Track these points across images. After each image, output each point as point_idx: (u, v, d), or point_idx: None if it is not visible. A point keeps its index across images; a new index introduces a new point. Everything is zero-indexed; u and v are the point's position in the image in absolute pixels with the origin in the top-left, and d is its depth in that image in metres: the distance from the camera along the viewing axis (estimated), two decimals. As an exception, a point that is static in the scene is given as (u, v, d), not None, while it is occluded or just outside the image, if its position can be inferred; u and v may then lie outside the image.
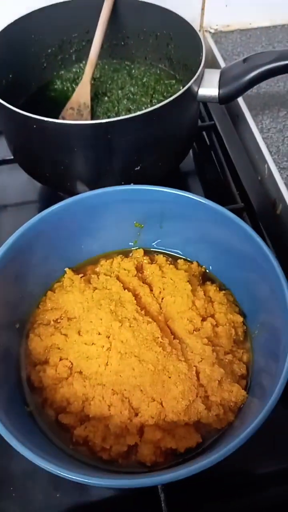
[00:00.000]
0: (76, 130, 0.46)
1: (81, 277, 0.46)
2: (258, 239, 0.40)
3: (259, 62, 0.49)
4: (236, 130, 0.70)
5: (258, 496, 0.41)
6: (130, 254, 0.50)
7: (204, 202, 0.43)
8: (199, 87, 0.52)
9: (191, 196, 0.44)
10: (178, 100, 0.48)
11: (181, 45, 0.61)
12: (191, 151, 0.68)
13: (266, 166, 0.62)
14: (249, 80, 0.50)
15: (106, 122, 0.46)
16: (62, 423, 0.39)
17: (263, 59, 0.49)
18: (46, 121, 0.45)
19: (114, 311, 0.41)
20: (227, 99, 0.52)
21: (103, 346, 0.39)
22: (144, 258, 0.49)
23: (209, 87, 0.52)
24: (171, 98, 0.47)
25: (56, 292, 0.46)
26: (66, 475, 0.31)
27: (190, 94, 0.51)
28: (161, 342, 0.39)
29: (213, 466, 0.31)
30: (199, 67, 0.51)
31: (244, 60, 0.51)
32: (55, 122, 0.45)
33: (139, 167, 0.52)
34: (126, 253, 0.50)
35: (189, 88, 0.49)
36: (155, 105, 0.47)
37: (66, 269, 0.47)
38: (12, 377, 0.41)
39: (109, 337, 0.40)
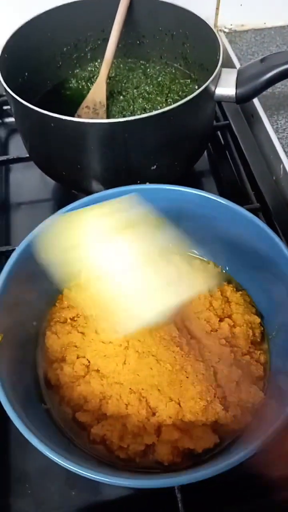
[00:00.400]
0: (94, 128, 0.46)
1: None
2: (276, 238, 0.40)
3: (277, 62, 0.49)
4: (251, 130, 0.70)
5: (274, 499, 0.40)
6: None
7: (221, 201, 0.43)
8: (216, 86, 0.51)
9: (208, 196, 0.44)
10: (195, 99, 0.48)
11: (197, 44, 0.61)
12: (205, 151, 0.67)
13: (281, 166, 0.61)
14: (267, 80, 0.49)
15: (123, 121, 0.46)
16: (79, 421, 0.39)
17: (281, 59, 0.49)
18: (64, 119, 0.45)
19: (131, 310, 0.41)
20: (244, 99, 0.52)
21: (121, 345, 0.39)
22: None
23: (226, 87, 0.51)
24: (188, 98, 0.47)
25: (72, 290, 0.46)
26: (84, 472, 0.31)
27: (207, 94, 0.51)
28: (178, 341, 0.39)
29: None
30: (215, 67, 0.50)
31: (262, 60, 0.50)
32: (72, 121, 0.45)
33: (155, 167, 0.52)
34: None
35: (206, 88, 0.49)
36: (170, 104, 0.47)
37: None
38: (29, 374, 0.41)
39: (126, 335, 0.40)
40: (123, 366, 0.39)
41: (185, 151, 0.55)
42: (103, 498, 0.41)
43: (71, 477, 0.41)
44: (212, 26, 0.83)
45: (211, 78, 0.49)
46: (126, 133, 0.47)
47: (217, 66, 0.50)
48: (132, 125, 0.46)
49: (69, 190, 0.59)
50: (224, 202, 0.43)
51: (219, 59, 0.51)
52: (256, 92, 0.51)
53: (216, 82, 0.51)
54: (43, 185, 0.64)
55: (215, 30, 0.56)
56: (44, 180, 0.62)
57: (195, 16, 0.58)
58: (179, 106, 0.47)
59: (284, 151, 0.62)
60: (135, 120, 0.46)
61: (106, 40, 0.62)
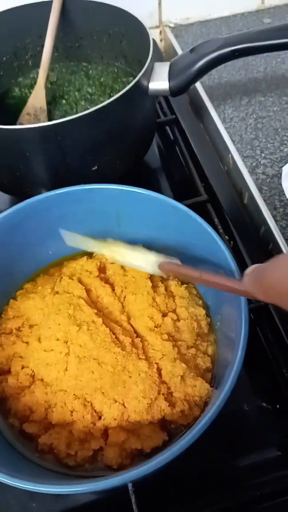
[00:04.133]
0: (25, 134, 0.46)
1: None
2: (209, 229, 0.39)
3: (206, 51, 0.49)
4: (201, 122, 0.70)
5: (229, 492, 0.40)
6: (93, 255, 0.49)
7: (155, 196, 0.43)
8: (149, 81, 0.51)
9: (142, 192, 0.43)
10: (129, 94, 0.47)
11: (133, 41, 0.61)
12: (155, 146, 0.67)
13: (230, 156, 0.61)
14: (197, 70, 0.49)
15: (54, 124, 0.45)
16: (26, 433, 0.38)
17: (209, 48, 0.49)
18: (-8, 127, 0.45)
19: (73, 315, 0.41)
20: (178, 91, 0.51)
21: (61, 352, 0.39)
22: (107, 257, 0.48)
23: (159, 80, 0.51)
24: (120, 93, 0.47)
25: (18, 300, 0.45)
26: (36, 488, 0.30)
27: (141, 88, 0.50)
28: (120, 342, 0.39)
29: (180, 463, 0.31)
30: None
31: (191, 50, 0.50)
32: (2, 128, 0.45)
33: (96, 166, 0.52)
34: (90, 254, 0.49)
35: (138, 82, 0.48)
36: (113, 103, 0.47)
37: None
38: (-26, 389, 0.40)
39: (67, 342, 0.39)
40: (65, 373, 0.38)
41: (127, 148, 0.55)
42: (63, 506, 0.40)
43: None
44: (156, 22, 0.84)
45: (141, 73, 0.49)
46: (59, 136, 0.47)
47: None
48: (64, 127, 0.46)
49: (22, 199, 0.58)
50: (157, 197, 0.43)
51: (149, 53, 0.51)
52: (189, 82, 0.51)
53: (148, 76, 0.51)
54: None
55: (153, 31, 0.56)
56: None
57: (127, 13, 0.58)
58: (110, 103, 0.46)
59: (232, 140, 0.62)
60: (67, 121, 0.45)
61: (44, 46, 0.61)
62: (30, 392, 0.39)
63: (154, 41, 0.52)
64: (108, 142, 0.50)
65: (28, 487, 0.31)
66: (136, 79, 0.48)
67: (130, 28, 0.59)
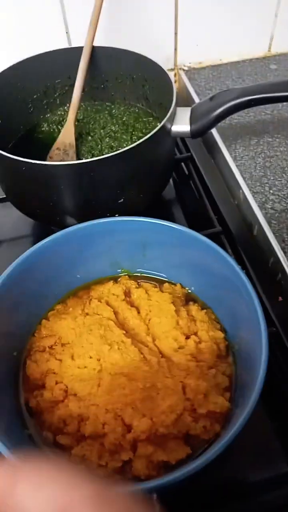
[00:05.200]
0: (60, 170, 0.51)
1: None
2: (229, 259, 0.44)
3: (224, 99, 0.54)
4: (212, 159, 0.75)
5: (249, 504, 0.43)
6: (119, 280, 0.53)
7: (178, 228, 0.47)
8: (172, 124, 0.56)
9: (166, 224, 0.48)
10: (154, 137, 0.53)
11: (155, 85, 0.67)
12: (172, 181, 0.72)
13: (240, 191, 0.66)
14: (216, 116, 0.55)
15: (87, 162, 0.50)
16: (60, 444, 0.41)
17: (227, 97, 0.54)
18: (32, 163, 0.49)
19: (104, 335, 0.45)
20: (198, 134, 0.57)
21: (95, 369, 0.42)
22: (132, 282, 0.52)
23: (181, 124, 0.57)
24: (147, 136, 0.52)
25: (50, 320, 0.49)
26: None
27: (165, 131, 0.56)
28: (148, 361, 0.42)
29: (203, 476, 0.34)
30: (171, 106, 0.56)
31: (211, 99, 0.56)
32: (40, 164, 0.50)
33: (122, 200, 0.56)
34: (116, 279, 0.54)
35: (163, 126, 0.54)
36: (135, 141, 0.52)
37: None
38: (11, 403, 0.43)
39: (99, 359, 0.43)
40: (98, 388, 0.42)
41: (149, 183, 0.60)
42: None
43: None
44: (172, 65, 0.91)
45: (166, 117, 0.54)
46: (92, 172, 0.51)
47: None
48: (96, 165, 0.51)
49: (48, 226, 0.63)
50: (179, 228, 0.47)
51: (172, 99, 0.56)
52: (208, 127, 0.56)
53: (172, 120, 0.57)
54: (23, 223, 0.68)
55: (172, 69, 0.62)
56: (23, 218, 0.66)
57: (150, 60, 0.63)
58: (139, 144, 0.51)
59: (243, 177, 0.67)
60: (98, 160, 0.50)
61: (73, 86, 0.67)
62: (64, 406, 0.42)
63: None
64: (133, 178, 0.55)
65: None
66: (162, 123, 0.53)
67: (152, 73, 0.65)
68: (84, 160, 0.50)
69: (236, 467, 0.44)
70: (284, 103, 0.80)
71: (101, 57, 0.69)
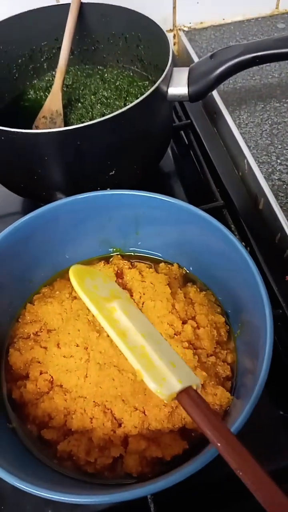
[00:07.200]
0: (43, 139, 0.46)
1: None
2: (231, 236, 0.39)
3: (226, 57, 0.49)
4: (214, 127, 0.69)
5: (251, 501, 0.39)
6: (110, 260, 0.49)
7: (174, 202, 0.43)
8: (168, 86, 0.51)
9: (162, 198, 0.43)
10: (148, 100, 0.47)
11: (150, 45, 0.61)
12: (170, 151, 0.67)
13: (245, 161, 0.61)
14: (217, 76, 0.49)
15: (72, 129, 0.45)
16: (45, 439, 0.38)
17: (229, 54, 0.49)
18: (12, 131, 0.45)
19: (92, 321, 0.41)
20: (197, 97, 0.51)
21: (81, 358, 0.39)
22: (124, 263, 0.48)
23: (178, 86, 0.51)
24: (139, 99, 0.47)
25: (35, 304, 0.45)
26: (54, 496, 0.30)
27: (160, 94, 0.50)
28: (140, 349, 0.38)
29: (202, 472, 0.31)
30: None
31: (211, 56, 0.50)
32: (20, 132, 0.45)
33: (113, 172, 0.51)
34: (108, 259, 0.49)
35: (157, 88, 0.48)
36: (129, 107, 0.47)
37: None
38: (-8, 394, 0.40)
39: (87, 348, 0.39)
40: (85, 380, 0.38)
41: (144, 153, 0.54)
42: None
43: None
44: (170, 26, 0.84)
45: (161, 78, 0.49)
46: (78, 141, 0.46)
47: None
48: (83, 132, 0.46)
49: (38, 203, 0.58)
50: (177, 203, 0.42)
51: (169, 59, 0.51)
52: (209, 88, 0.51)
53: (167, 82, 0.51)
54: (11, 199, 0.64)
55: (171, 30, 0.56)
56: (11, 194, 0.61)
57: (145, 17, 0.58)
58: (130, 109, 0.46)
59: (247, 145, 0.62)
60: (85, 126, 0.45)
61: (60, 49, 0.61)
62: (49, 398, 0.39)
63: (170, 45, 0.52)
64: (126, 147, 0.50)
65: (46, 495, 0.30)
66: (156, 84, 0.48)
67: (148, 32, 0.59)
68: (69, 127, 0.45)
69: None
70: (293, 65, 0.73)
71: (90, 15, 0.63)
